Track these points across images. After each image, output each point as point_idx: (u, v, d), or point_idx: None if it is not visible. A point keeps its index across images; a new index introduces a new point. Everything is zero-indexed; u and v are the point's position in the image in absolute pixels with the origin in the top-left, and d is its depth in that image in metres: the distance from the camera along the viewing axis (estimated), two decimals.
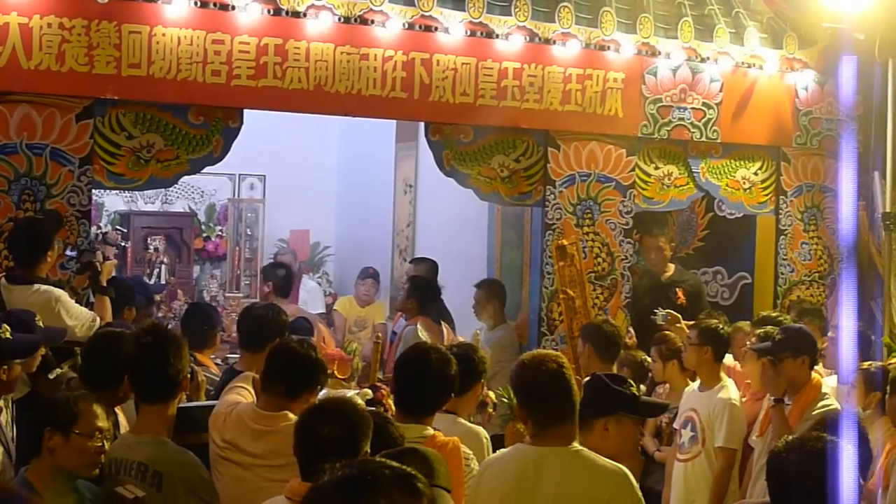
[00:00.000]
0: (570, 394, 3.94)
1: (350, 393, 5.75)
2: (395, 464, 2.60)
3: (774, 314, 7.45)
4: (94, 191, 6.95)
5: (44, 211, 6.53)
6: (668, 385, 7.05)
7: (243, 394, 4.85)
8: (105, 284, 6.39)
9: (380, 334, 7.16)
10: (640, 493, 3.90)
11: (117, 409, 4.73)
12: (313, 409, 3.78)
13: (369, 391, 5.90)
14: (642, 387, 7.18)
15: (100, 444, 3.93)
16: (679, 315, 7.51)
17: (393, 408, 5.23)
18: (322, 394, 5.57)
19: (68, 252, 6.42)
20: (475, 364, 5.17)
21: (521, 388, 4.05)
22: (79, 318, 5.88)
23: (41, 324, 5.15)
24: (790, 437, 3.75)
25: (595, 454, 3.89)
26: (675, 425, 6.62)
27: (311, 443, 3.58)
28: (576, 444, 3.90)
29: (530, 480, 3.87)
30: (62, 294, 5.98)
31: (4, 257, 6.42)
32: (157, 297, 8.81)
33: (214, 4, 6.81)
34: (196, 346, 6.28)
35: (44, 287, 5.97)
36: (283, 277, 8.81)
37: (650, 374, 7.15)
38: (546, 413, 3.92)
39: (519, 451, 4.07)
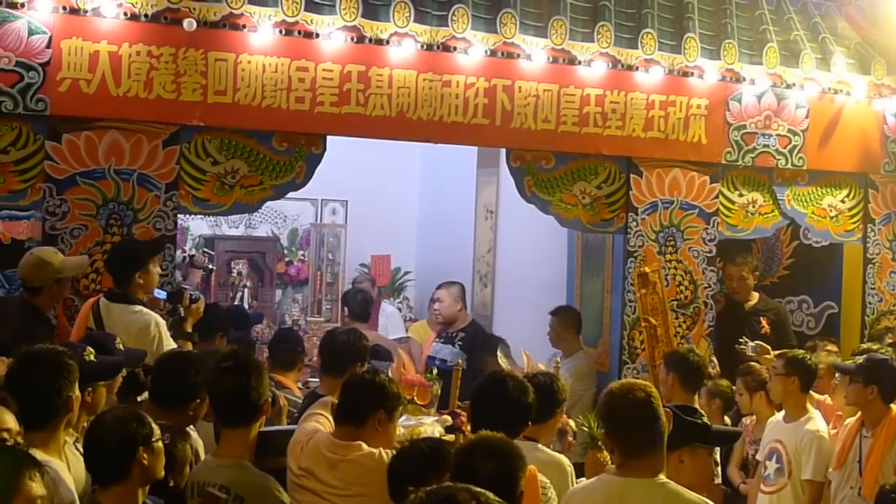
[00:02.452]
0: (658, 424, 3.89)
1: (430, 419, 5.75)
2: (474, 488, 2.61)
3: (875, 346, 7.28)
4: (178, 215, 7.03)
5: (153, 240, 6.66)
6: (754, 417, 6.95)
7: (322, 421, 4.87)
8: (190, 329, 6.45)
9: (460, 360, 7.15)
10: None
11: (190, 429, 4.79)
12: (470, 446, 3.77)
13: (449, 417, 5.89)
14: (727, 418, 7.14)
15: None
16: (768, 347, 7.40)
17: (470, 434, 5.22)
18: (402, 420, 5.60)
19: (157, 293, 6.48)
20: (555, 392, 5.16)
21: (608, 417, 4.02)
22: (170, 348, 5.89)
23: (121, 346, 5.21)
24: None
25: (681, 487, 3.86)
26: (759, 457, 6.54)
27: (468, 479, 3.54)
28: (662, 476, 3.86)
29: None
30: (161, 321, 6.05)
31: (92, 280, 6.55)
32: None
33: (299, 32, 6.88)
34: (282, 369, 6.36)
35: (145, 310, 6.06)
36: (361, 303, 8.86)
37: (736, 405, 7.07)
38: (632, 443, 3.88)
39: (604, 481, 4.04)
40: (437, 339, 8.69)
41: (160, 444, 3.94)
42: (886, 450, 6.04)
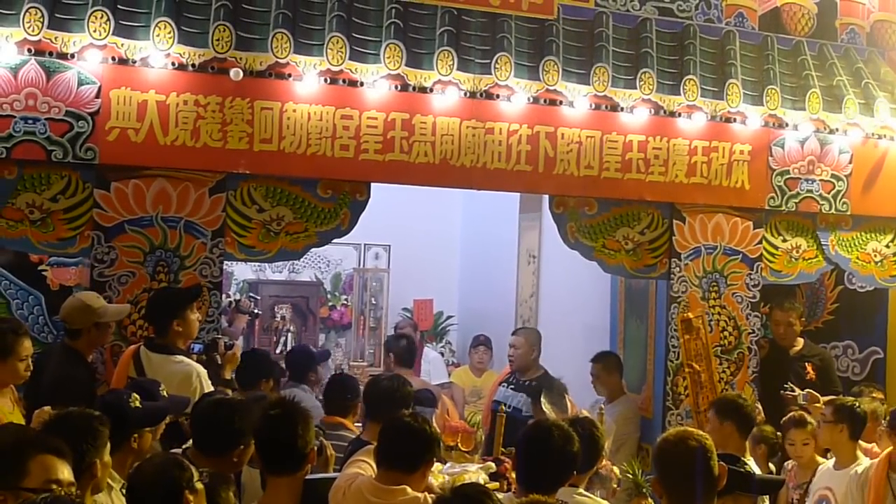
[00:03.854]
0: (710, 474, 3.86)
1: (474, 467, 5.74)
2: None
3: None
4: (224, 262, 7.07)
5: (189, 287, 6.67)
6: (795, 463, 6.89)
7: (364, 467, 4.88)
8: (229, 377, 6.47)
9: (503, 407, 7.14)
10: None
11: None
12: None
13: (492, 464, 5.88)
14: (771, 465, 7.07)
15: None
16: (818, 395, 7.33)
17: (515, 481, 5.20)
18: (446, 467, 5.59)
19: (193, 347, 6.50)
20: (596, 441, 5.16)
21: (660, 464, 3.99)
22: None
23: (165, 393, 5.24)
24: None
25: None
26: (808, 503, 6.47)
27: None
28: None
29: None
30: (203, 371, 6.07)
31: (139, 327, 6.60)
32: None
33: (344, 81, 6.93)
34: (338, 413, 6.38)
35: (186, 360, 6.09)
36: (404, 348, 8.86)
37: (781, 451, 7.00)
38: (683, 492, 3.85)
39: None
40: (506, 385, 8.58)
41: (201, 484, 3.96)
42: None
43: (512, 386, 8.49)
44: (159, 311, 6.31)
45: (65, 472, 3.63)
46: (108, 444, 4.30)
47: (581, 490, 4.95)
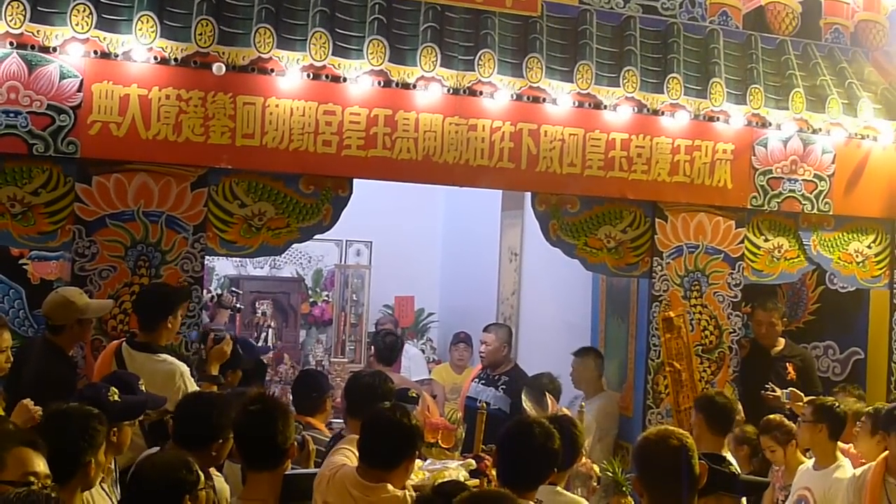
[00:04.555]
0: (690, 473, 3.89)
1: (454, 463, 5.78)
2: None
3: None
4: (206, 257, 7.09)
5: (184, 287, 6.72)
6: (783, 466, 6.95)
7: (349, 455, 4.90)
8: (215, 372, 6.49)
9: (484, 404, 7.17)
10: None
11: (213, 472, 4.82)
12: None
13: (473, 461, 5.91)
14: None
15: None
16: (801, 394, 7.39)
17: (495, 478, 5.24)
18: (426, 463, 5.63)
19: (191, 335, 6.61)
20: (575, 439, 5.18)
21: (641, 462, 4.01)
22: None
23: (143, 388, 5.27)
24: None
25: None
26: None
27: None
28: None
29: None
30: (186, 369, 6.08)
31: (119, 321, 6.63)
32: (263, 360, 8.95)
33: (326, 77, 6.96)
34: (306, 411, 6.38)
35: (170, 358, 6.10)
36: (389, 346, 8.88)
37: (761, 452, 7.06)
38: (663, 490, 3.88)
39: None
40: (478, 381, 8.68)
41: (204, 493, 3.99)
42: None
43: (483, 381, 8.58)
44: (153, 307, 6.32)
45: (41, 465, 3.65)
46: (104, 444, 4.35)
47: (560, 489, 4.99)
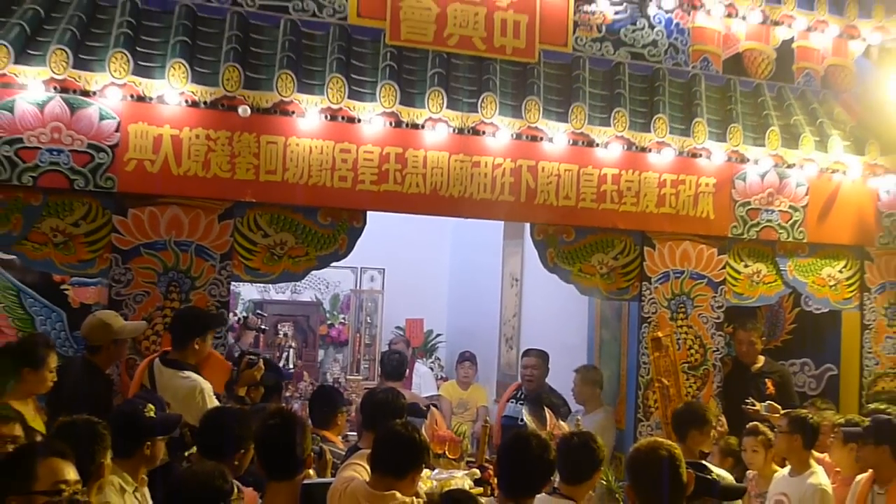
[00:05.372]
0: (678, 481, 3.84)
1: (460, 473, 5.73)
2: None
3: (883, 406, 7.21)
4: (231, 283, 7.05)
5: (217, 314, 6.71)
6: (757, 471, 6.89)
7: (359, 470, 4.86)
8: (242, 394, 6.43)
9: (487, 418, 7.12)
10: None
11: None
12: None
13: (477, 471, 5.86)
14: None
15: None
16: (778, 406, 7.33)
17: (497, 487, 5.18)
18: (435, 473, 5.58)
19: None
20: (594, 452, 4.91)
21: (633, 471, 3.97)
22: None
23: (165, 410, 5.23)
24: None
25: None
26: None
27: None
28: None
29: None
30: (208, 387, 6.03)
31: (152, 342, 6.60)
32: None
33: (342, 118, 6.95)
34: (322, 425, 6.33)
35: (193, 375, 6.05)
36: (396, 363, 8.84)
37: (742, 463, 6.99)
38: (653, 497, 3.84)
39: None
40: (514, 401, 8.54)
41: (237, 503, 3.95)
42: None
43: (522, 401, 8.44)
44: (185, 327, 6.29)
45: (70, 473, 3.62)
46: (111, 447, 4.31)
47: None
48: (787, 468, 6.50)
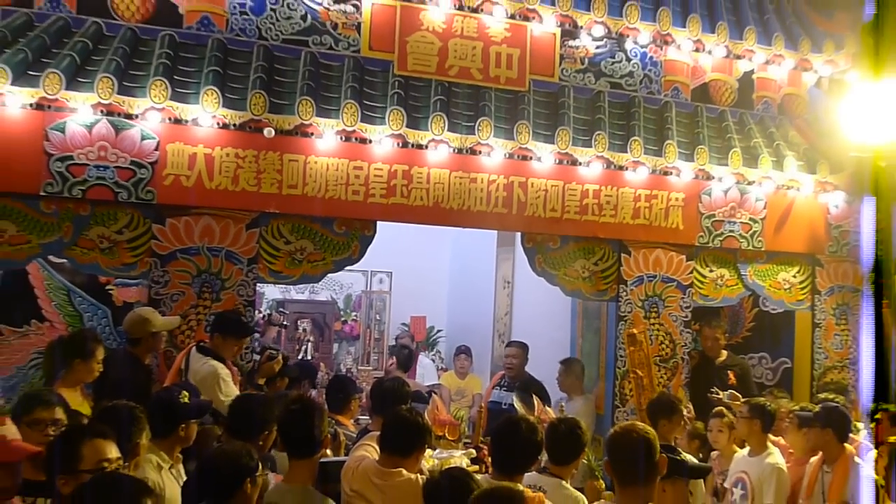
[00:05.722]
0: (650, 461, 3.82)
1: (458, 453, 5.73)
2: None
3: (832, 396, 7.22)
4: (257, 284, 7.07)
5: (252, 326, 6.81)
6: (720, 452, 6.90)
7: (369, 450, 4.87)
8: (262, 383, 6.44)
9: (483, 405, 7.12)
10: None
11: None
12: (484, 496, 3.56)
13: (473, 451, 5.87)
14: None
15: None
16: (739, 395, 7.35)
17: (490, 465, 5.19)
18: (436, 452, 5.58)
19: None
20: (579, 437, 4.95)
21: (611, 450, 3.96)
22: (229, 394, 5.84)
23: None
24: None
25: None
26: (727, 485, 6.47)
27: None
28: None
29: None
30: (225, 373, 6.05)
31: (187, 336, 6.61)
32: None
33: (356, 139, 6.96)
34: (337, 410, 6.34)
35: (213, 362, 6.09)
36: (406, 356, 8.85)
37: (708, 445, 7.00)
38: (628, 474, 3.84)
39: None
40: (499, 388, 8.50)
41: (261, 479, 3.96)
42: (843, 482, 5.99)
43: (505, 387, 8.46)
44: (218, 327, 6.35)
45: (112, 451, 3.64)
46: (147, 427, 4.32)
47: (565, 483, 4.84)
48: (747, 449, 6.51)
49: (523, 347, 8.60)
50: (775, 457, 6.34)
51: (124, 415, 4.24)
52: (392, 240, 8.60)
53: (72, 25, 6.59)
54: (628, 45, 8.23)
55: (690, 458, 5.25)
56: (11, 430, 3.81)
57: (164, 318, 6.40)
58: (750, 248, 8.50)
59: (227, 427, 4.97)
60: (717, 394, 7.51)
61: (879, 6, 7.19)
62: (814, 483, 6.19)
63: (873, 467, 5.88)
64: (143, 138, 6.45)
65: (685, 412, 6.94)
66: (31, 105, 6.15)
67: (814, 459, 6.34)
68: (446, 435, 6.06)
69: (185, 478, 4.65)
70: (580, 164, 7.70)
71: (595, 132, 7.74)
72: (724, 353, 8.49)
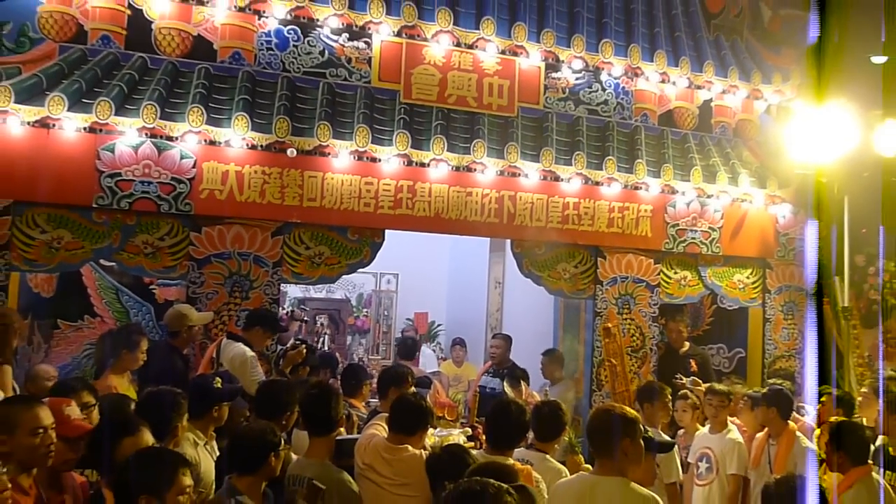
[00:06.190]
0: (622, 436, 3.77)
1: (456, 431, 5.69)
2: (497, 482, 2.60)
3: (779, 381, 7.17)
4: (281, 284, 7.03)
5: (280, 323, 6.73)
6: (684, 430, 6.85)
7: (379, 429, 4.83)
8: (287, 370, 6.39)
9: (476, 389, 7.08)
10: None
11: None
12: (480, 469, 3.47)
13: (469, 430, 5.83)
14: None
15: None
16: (700, 381, 7.31)
17: (485, 442, 5.15)
18: (436, 431, 5.53)
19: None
20: (560, 418, 4.90)
21: (591, 426, 3.91)
22: (255, 375, 5.81)
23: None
24: (776, 477, 3.62)
25: (636, 484, 3.75)
26: (691, 459, 6.43)
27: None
28: (624, 477, 3.74)
29: (586, 498, 3.76)
30: (252, 356, 6.00)
31: (220, 330, 6.56)
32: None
33: (367, 158, 6.93)
34: (350, 394, 6.29)
35: (243, 346, 6.04)
36: (409, 347, 8.81)
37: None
38: (604, 447, 3.80)
39: (581, 477, 3.97)
40: (488, 374, 8.45)
41: (283, 453, 3.93)
42: (787, 454, 5.97)
43: (491, 374, 8.43)
44: (251, 320, 6.31)
45: (149, 438, 3.63)
46: (186, 412, 4.30)
47: (548, 457, 4.79)
48: (708, 426, 6.47)
49: (506, 339, 8.56)
50: (734, 433, 6.32)
51: (167, 399, 4.20)
52: (398, 245, 8.56)
53: (120, 60, 6.55)
54: (603, 76, 8.20)
55: (663, 435, 5.23)
56: (76, 412, 3.80)
57: (199, 314, 6.37)
58: (709, 252, 8.46)
59: (254, 408, 4.93)
60: (681, 379, 7.48)
61: (820, 43, 7.18)
62: (760, 454, 6.18)
63: (816, 443, 5.84)
64: (181, 157, 6.42)
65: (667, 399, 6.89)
66: (84, 128, 6.13)
67: (760, 434, 6.32)
68: (445, 415, 6.02)
69: (217, 453, 4.61)
70: (562, 180, 7.67)
71: (575, 152, 7.71)
72: (687, 344, 8.44)
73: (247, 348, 6.04)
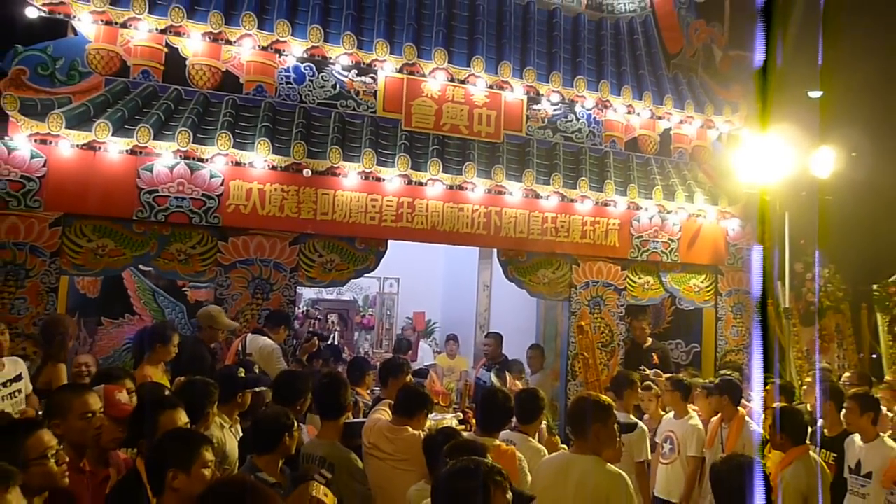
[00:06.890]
0: (594, 419, 3.74)
1: (449, 416, 5.65)
2: (490, 462, 2.59)
3: (729, 372, 7.15)
4: (297, 287, 7.00)
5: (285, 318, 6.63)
6: (647, 415, 6.81)
7: (382, 413, 4.80)
8: (304, 359, 6.36)
9: (468, 379, 7.05)
10: (632, 489, 3.70)
11: None
12: (454, 447, 3.46)
13: (461, 414, 5.80)
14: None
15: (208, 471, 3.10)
16: (661, 372, 7.29)
17: (474, 425, 5.11)
18: (432, 416, 5.49)
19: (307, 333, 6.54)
20: (538, 402, 4.84)
21: (570, 410, 3.88)
22: (280, 364, 5.85)
23: (257, 370, 5.16)
24: (723, 456, 3.61)
25: (606, 462, 3.73)
26: (657, 440, 6.40)
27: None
28: (596, 456, 3.73)
29: (563, 474, 3.75)
30: (277, 348, 6.03)
31: (244, 327, 6.52)
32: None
33: (372, 178, 6.91)
34: (356, 384, 6.25)
35: (269, 340, 6.07)
36: (404, 344, 8.78)
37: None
38: (580, 429, 3.77)
39: (560, 455, 3.95)
40: (484, 368, 8.43)
41: (297, 433, 3.89)
42: (737, 436, 5.94)
43: (486, 368, 8.39)
44: (275, 318, 6.32)
45: (183, 418, 3.57)
46: (233, 403, 4.29)
47: (530, 438, 4.75)
48: (671, 413, 6.43)
49: (497, 337, 8.54)
50: (695, 419, 6.27)
51: (200, 389, 4.15)
52: (399, 253, 8.52)
53: (158, 91, 6.53)
54: (578, 108, 8.20)
55: (632, 418, 5.18)
56: (125, 396, 3.82)
57: (227, 321, 6.30)
58: (669, 260, 8.45)
59: (273, 395, 4.89)
60: (645, 371, 7.44)
61: (764, 80, 7.19)
62: (714, 437, 6.14)
63: (761, 426, 5.81)
64: (211, 176, 6.40)
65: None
66: (126, 151, 6.11)
67: (714, 419, 6.28)
68: (440, 402, 5.99)
69: (241, 435, 4.56)
70: (541, 197, 7.65)
71: (553, 173, 7.70)
72: (650, 339, 8.42)
73: (272, 343, 6.05)
